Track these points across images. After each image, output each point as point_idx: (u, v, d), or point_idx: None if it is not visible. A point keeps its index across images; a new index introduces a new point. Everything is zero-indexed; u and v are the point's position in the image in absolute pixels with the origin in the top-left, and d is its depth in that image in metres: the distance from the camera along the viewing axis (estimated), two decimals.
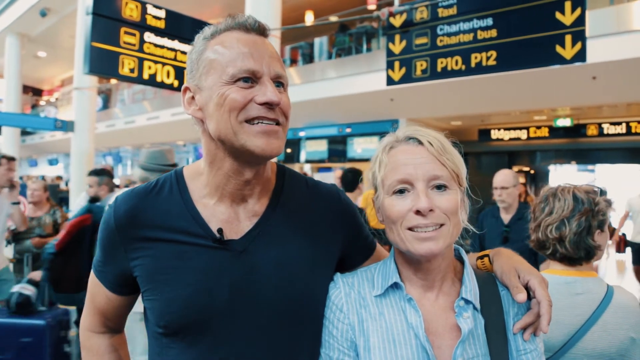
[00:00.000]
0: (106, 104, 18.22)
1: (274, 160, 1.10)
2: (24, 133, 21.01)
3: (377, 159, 1.00)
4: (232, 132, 0.91)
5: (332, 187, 1.15)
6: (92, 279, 1.08)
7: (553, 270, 1.55)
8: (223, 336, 0.95)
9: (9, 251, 5.02)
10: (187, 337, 0.95)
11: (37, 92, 24.91)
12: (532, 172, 14.31)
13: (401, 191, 0.93)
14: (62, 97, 21.80)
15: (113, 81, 16.93)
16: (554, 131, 11.98)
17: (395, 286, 0.99)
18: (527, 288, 0.96)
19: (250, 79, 0.92)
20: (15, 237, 4.69)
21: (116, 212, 1.00)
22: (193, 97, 0.99)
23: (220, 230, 0.97)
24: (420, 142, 0.95)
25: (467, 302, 0.96)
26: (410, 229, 0.91)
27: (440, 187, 0.93)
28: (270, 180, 1.06)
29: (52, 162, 25.71)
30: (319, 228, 1.06)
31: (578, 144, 12.09)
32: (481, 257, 1.08)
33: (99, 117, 16.22)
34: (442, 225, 0.91)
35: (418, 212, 0.90)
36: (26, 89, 21.91)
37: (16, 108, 14.43)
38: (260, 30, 0.97)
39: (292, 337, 0.98)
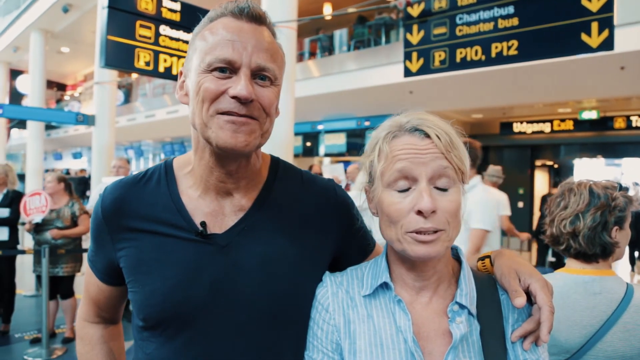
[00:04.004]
0: (128, 98, 18.47)
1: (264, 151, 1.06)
2: (49, 127, 21.50)
3: (377, 147, 0.90)
4: (203, 122, 0.88)
5: (329, 182, 1.10)
6: (87, 268, 1.09)
7: (570, 269, 1.50)
8: (201, 333, 0.92)
9: (29, 242, 5.12)
10: (165, 331, 0.93)
11: (62, 87, 25.40)
12: (556, 166, 13.98)
13: (402, 187, 0.85)
14: (84, 92, 22.17)
15: (134, 75, 17.16)
16: (579, 124, 11.64)
17: (385, 286, 0.93)
18: (528, 292, 0.88)
19: (227, 69, 0.87)
20: (36, 228, 4.76)
21: (103, 202, 1.00)
22: (184, 82, 0.96)
23: (203, 224, 0.94)
24: (427, 135, 0.86)
25: (461, 306, 0.89)
26: (410, 232, 0.84)
27: (444, 186, 0.84)
28: (261, 174, 1.02)
29: (76, 156, 26.28)
30: (311, 225, 1.01)
31: (604, 137, 11.72)
32: (482, 258, 1.01)
33: (121, 111, 16.47)
34: (442, 230, 0.83)
35: (420, 213, 0.82)
36: (51, 84, 22.37)
37: (41, 103, 14.70)
38: (253, 17, 0.90)
39: (274, 337, 0.94)
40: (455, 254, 0.98)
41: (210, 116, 0.87)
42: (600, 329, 1.36)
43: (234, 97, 0.85)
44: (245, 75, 0.86)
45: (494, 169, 5.33)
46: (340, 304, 0.94)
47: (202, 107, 0.87)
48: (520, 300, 0.84)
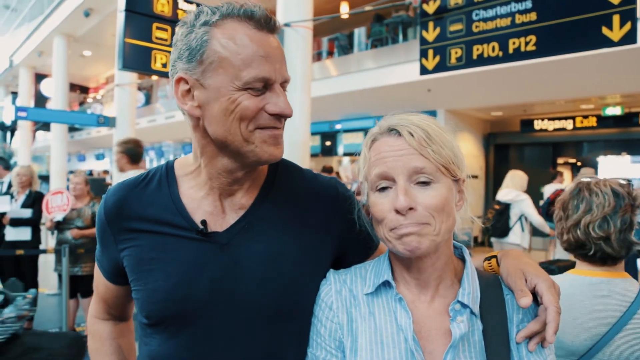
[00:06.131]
0: (148, 100, 18.74)
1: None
2: (72, 129, 21.97)
3: (362, 153, 0.94)
4: (243, 139, 0.88)
5: (331, 180, 1.10)
6: (96, 267, 1.11)
7: (579, 271, 1.45)
8: (203, 330, 0.93)
9: (52, 242, 5.23)
10: (168, 328, 0.94)
11: (84, 90, 25.89)
12: (579, 164, 13.67)
13: (384, 187, 0.87)
14: (106, 94, 22.59)
15: (154, 77, 17.39)
16: (603, 120, 11.35)
17: (387, 285, 0.93)
18: (534, 293, 0.86)
19: (263, 85, 0.88)
20: (57, 226, 4.86)
21: (106, 204, 1.02)
22: (189, 91, 0.90)
23: (204, 222, 0.94)
24: (401, 134, 0.87)
25: (463, 305, 0.87)
26: (392, 229, 0.85)
27: (424, 182, 0.85)
28: (262, 173, 1.03)
29: (99, 157, 26.79)
30: (312, 223, 1.01)
31: (629, 133, 11.40)
32: (489, 258, 1.00)
33: (142, 113, 16.71)
34: (425, 224, 0.83)
35: (398, 211, 0.83)
36: (74, 87, 22.84)
37: (64, 105, 15.00)
38: (274, 28, 0.90)
39: (276, 335, 0.94)
40: (460, 254, 0.97)
41: (250, 132, 0.88)
42: (609, 332, 1.32)
43: (275, 114, 0.88)
44: (281, 92, 0.89)
45: (586, 170, 7.02)
46: (344, 302, 0.94)
47: (240, 125, 0.87)
48: (526, 300, 0.83)
